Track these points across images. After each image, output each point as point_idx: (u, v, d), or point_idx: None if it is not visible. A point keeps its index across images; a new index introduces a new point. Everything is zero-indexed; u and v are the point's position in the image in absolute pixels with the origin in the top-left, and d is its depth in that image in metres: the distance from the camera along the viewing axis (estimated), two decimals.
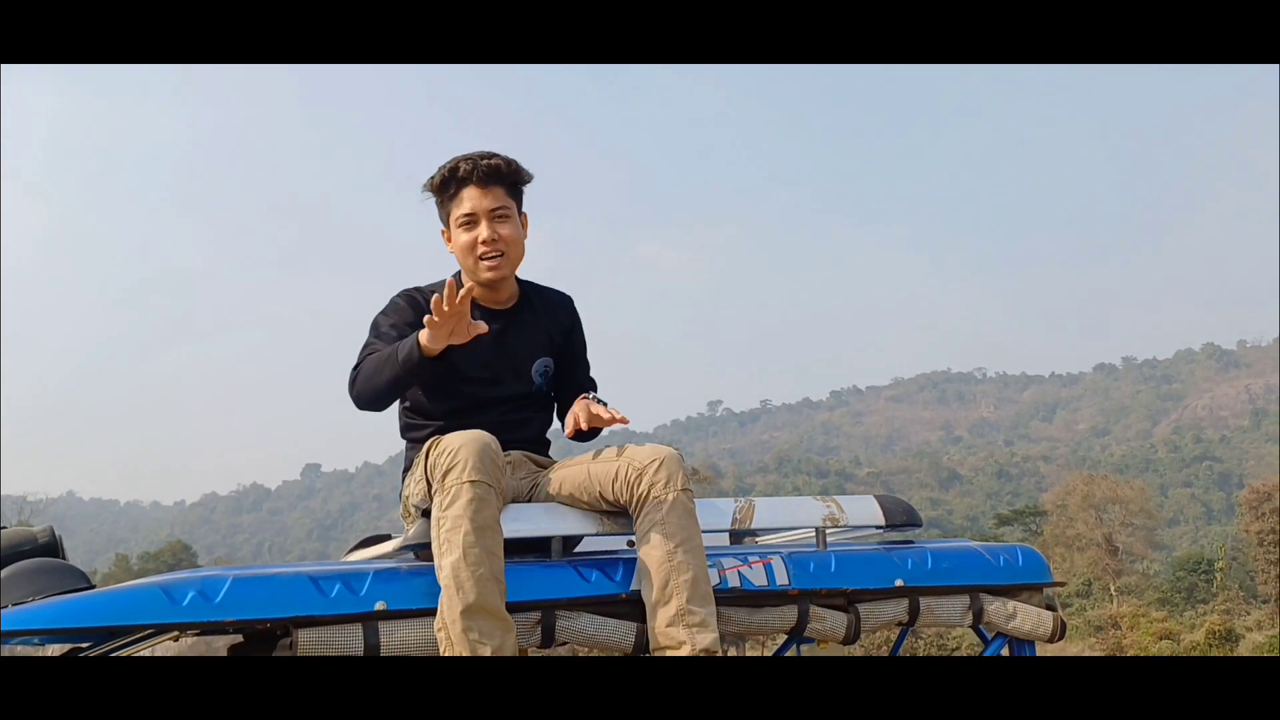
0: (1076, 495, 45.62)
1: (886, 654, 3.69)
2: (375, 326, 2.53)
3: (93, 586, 2.11)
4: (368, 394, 2.42)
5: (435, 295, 2.25)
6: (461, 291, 2.25)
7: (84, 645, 2.06)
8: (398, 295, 2.57)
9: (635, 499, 2.30)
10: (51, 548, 2.18)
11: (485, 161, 2.51)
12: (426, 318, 2.26)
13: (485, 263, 2.51)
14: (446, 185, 2.53)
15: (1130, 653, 28.52)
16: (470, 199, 2.51)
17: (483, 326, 2.29)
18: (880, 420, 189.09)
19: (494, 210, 2.51)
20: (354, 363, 2.47)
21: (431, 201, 2.61)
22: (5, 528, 2.22)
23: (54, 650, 2.23)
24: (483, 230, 2.50)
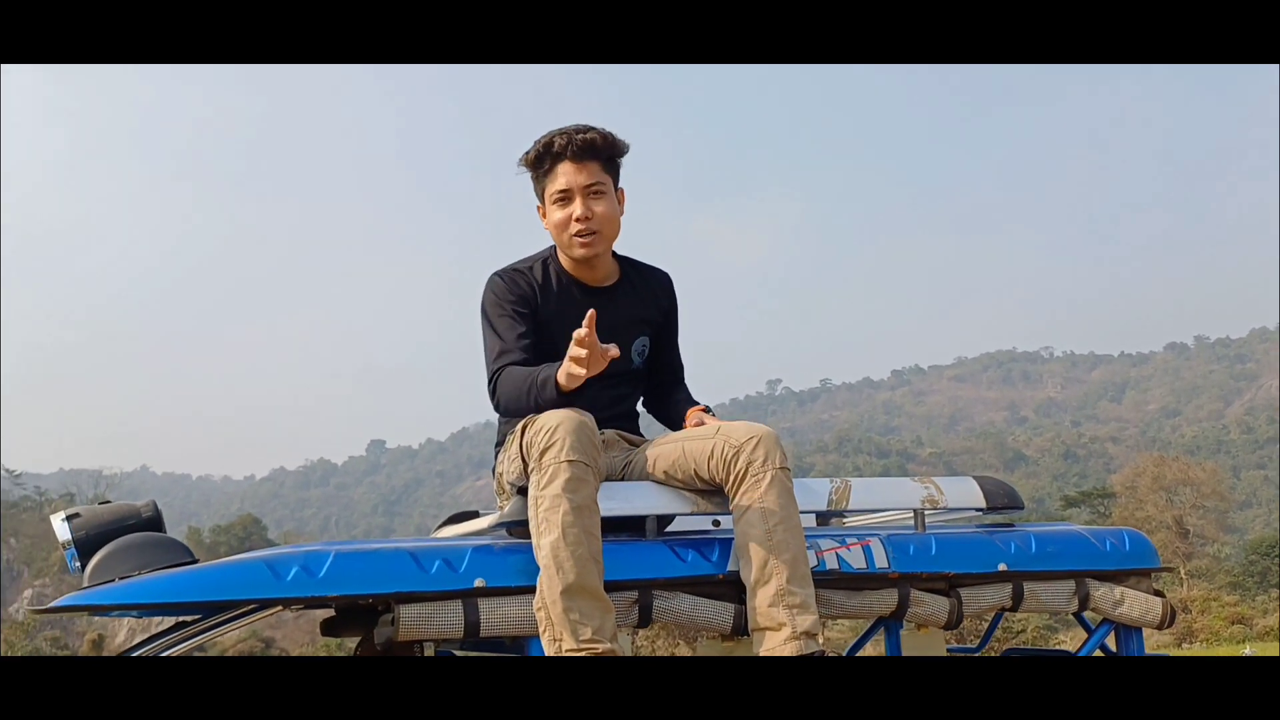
0: (1146, 477, 44.69)
1: (976, 641, 3.62)
2: (491, 324, 2.47)
3: (196, 560, 2.12)
4: (511, 410, 2.39)
5: (578, 338, 2.16)
6: (584, 331, 2.16)
7: (189, 620, 2.08)
8: (498, 279, 2.52)
9: (732, 477, 2.26)
10: (155, 522, 2.20)
11: (580, 136, 2.45)
12: (569, 365, 2.19)
13: (579, 239, 2.47)
14: (541, 160, 2.49)
15: (1200, 637, 27.97)
16: (565, 174, 2.46)
17: (615, 350, 2.22)
18: (943, 400, 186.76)
19: (589, 186, 2.46)
20: (490, 366, 2.43)
21: (526, 176, 2.57)
22: (109, 502, 2.24)
23: (158, 624, 2.25)
24: (577, 207, 2.45)
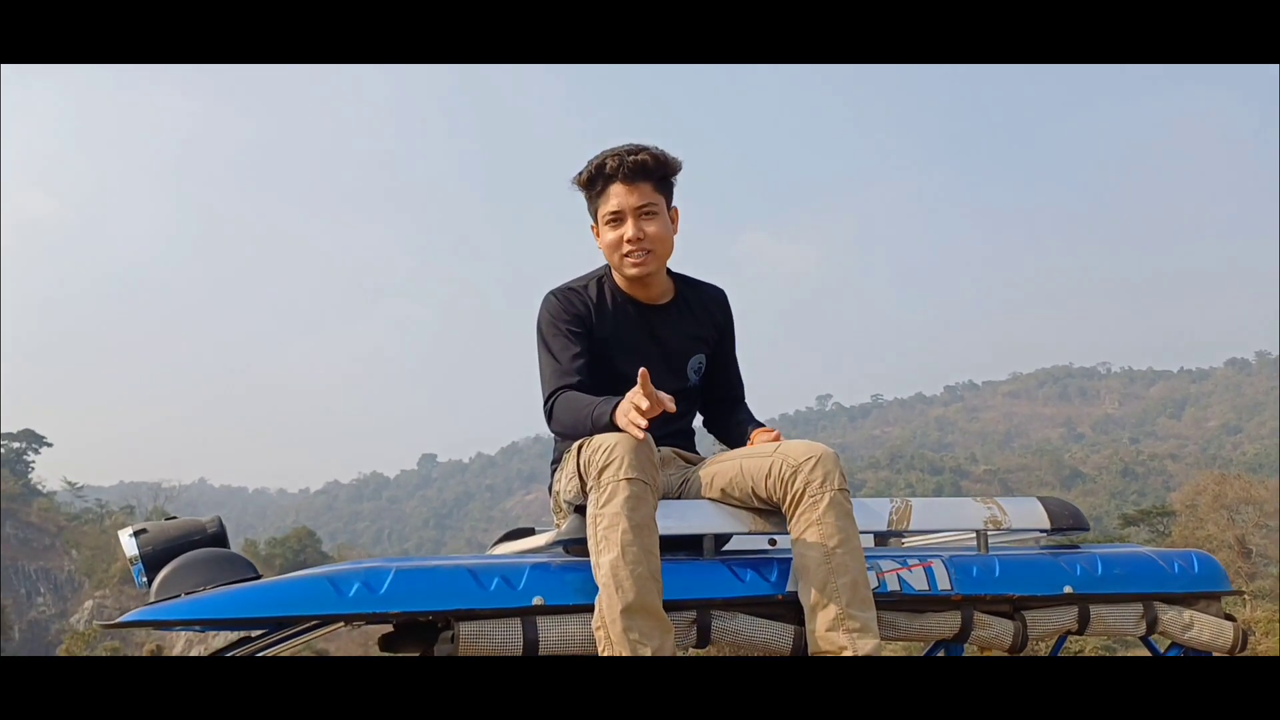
0: (1207, 495, 43.68)
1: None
2: (547, 344, 2.47)
3: (259, 576, 2.15)
4: (569, 434, 2.38)
5: (636, 398, 2.13)
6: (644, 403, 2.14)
7: (253, 635, 2.10)
8: (553, 299, 2.52)
9: (790, 497, 2.24)
10: (220, 538, 2.23)
11: (632, 157, 2.46)
12: (629, 423, 2.15)
13: (630, 260, 2.47)
14: (594, 182, 2.49)
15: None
16: (617, 196, 2.47)
17: (671, 405, 2.17)
18: (997, 416, 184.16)
19: (640, 208, 2.46)
20: (546, 388, 2.44)
21: (580, 195, 2.59)
22: (175, 517, 2.27)
23: (220, 639, 2.28)
24: (628, 228, 2.46)
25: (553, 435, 2.63)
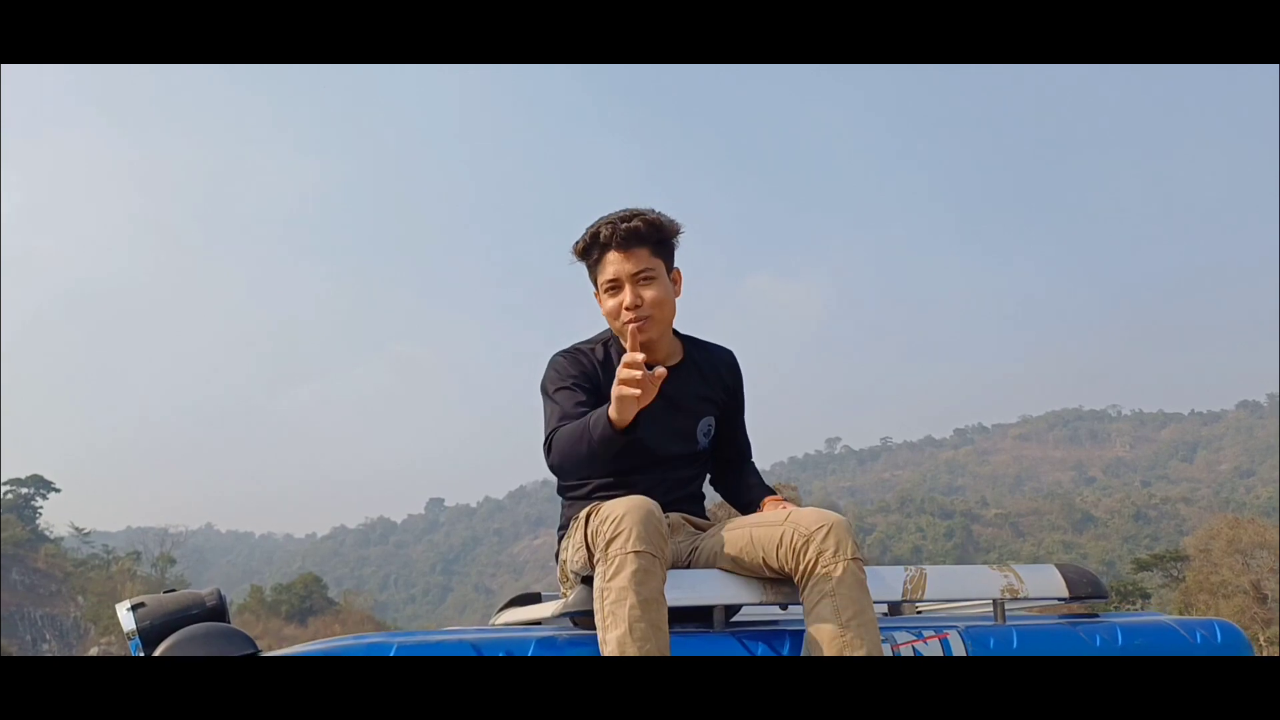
0: (1221, 540, 43.32)
1: None
2: (550, 396, 2.48)
3: (258, 651, 2.10)
4: (568, 466, 2.39)
5: (625, 366, 2.18)
6: (637, 355, 2.19)
7: None
8: (560, 358, 2.53)
9: (802, 568, 2.19)
10: (219, 611, 2.19)
11: (625, 224, 2.45)
12: (619, 387, 2.18)
13: (629, 327, 2.45)
14: (589, 250, 2.50)
15: None
16: (613, 264, 2.46)
17: (662, 371, 2.21)
18: (1007, 459, 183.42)
19: (637, 274, 2.45)
20: (545, 434, 2.43)
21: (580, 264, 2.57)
22: (174, 590, 2.23)
23: None
24: (626, 296, 2.45)
25: (563, 501, 2.59)
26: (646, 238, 2.46)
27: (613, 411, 2.22)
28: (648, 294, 2.45)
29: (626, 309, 2.44)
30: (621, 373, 2.17)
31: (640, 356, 2.17)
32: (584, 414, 2.39)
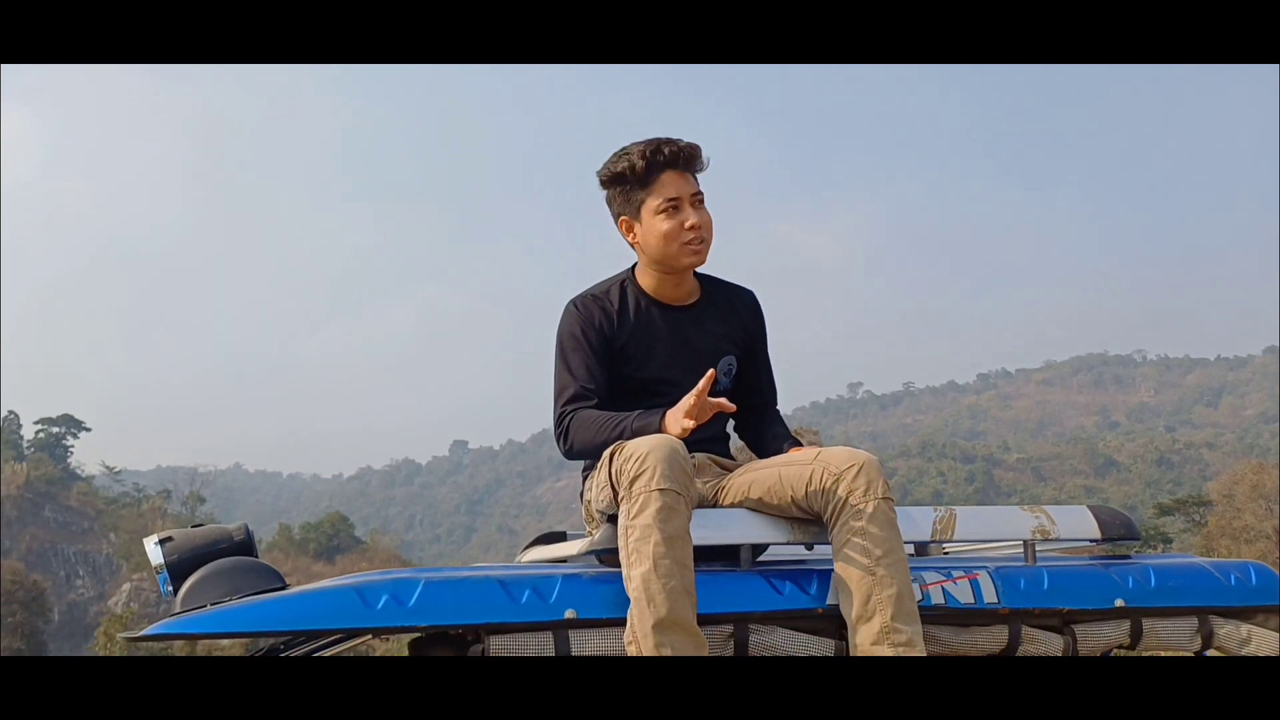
0: (1245, 485, 43.03)
1: None
2: (563, 355, 2.44)
3: (286, 586, 2.11)
4: (583, 451, 2.37)
5: (696, 399, 2.17)
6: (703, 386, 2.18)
7: (280, 646, 2.07)
8: (573, 308, 2.47)
9: (831, 506, 2.16)
10: (247, 546, 2.19)
11: (684, 144, 2.42)
12: (682, 418, 2.18)
13: (690, 248, 2.42)
14: (651, 170, 2.41)
15: None
16: (673, 184, 2.41)
17: (729, 405, 2.23)
18: (1030, 404, 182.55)
19: (695, 195, 2.43)
20: (558, 406, 2.40)
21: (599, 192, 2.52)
22: (202, 524, 2.24)
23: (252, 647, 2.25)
24: (690, 215, 2.40)
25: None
26: (697, 162, 2.45)
27: (670, 426, 2.20)
28: (705, 217, 2.44)
29: (690, 229, 2.40)
30: (691, 408, 2.16)
31: (702, 387, 2.17)
32: (597, 387, 2.38)
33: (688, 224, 2.39)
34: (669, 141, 2.41)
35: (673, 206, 2.41)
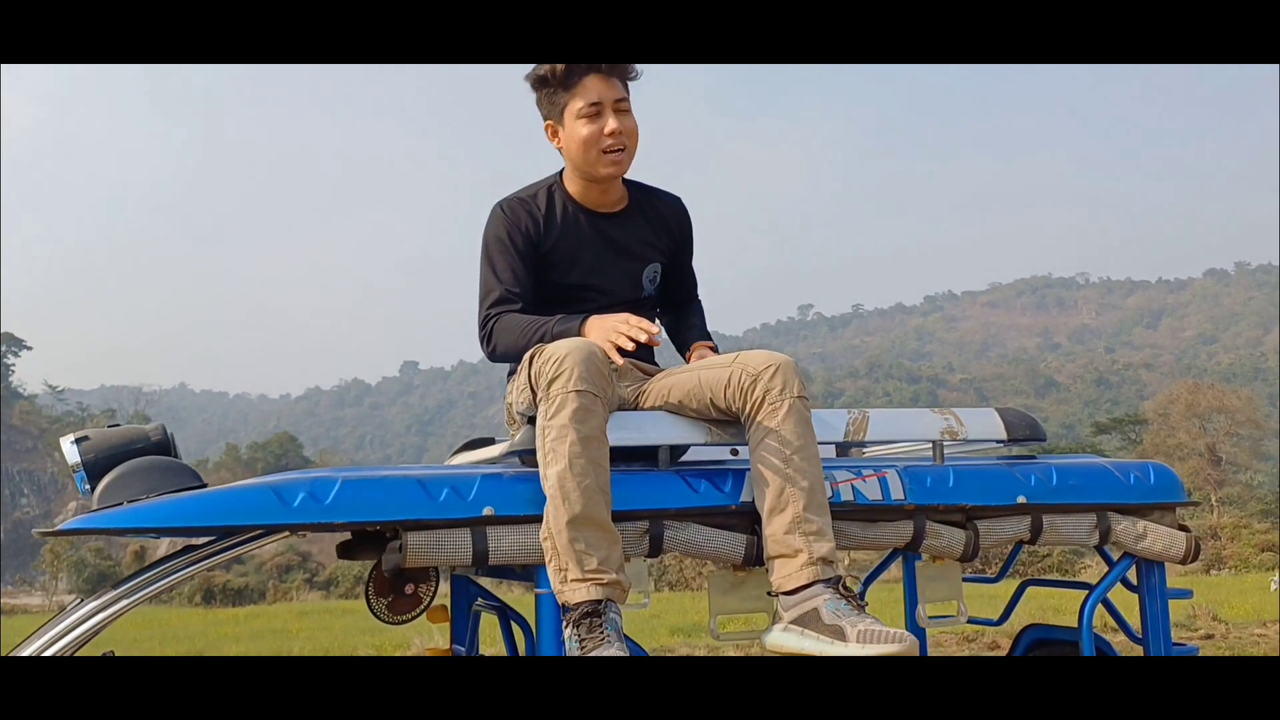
0: (1180, 404, 44.28)
1: (994, 572, 3.63)
2: (488, 258, 2.44)
3: (204, 485, 2.12)
4: (505, 354, 2.38)
5: (630, 329, 2.18)
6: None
7: (198, 542, 2.08)
8: (499, 210, 2.47)
9: (749, 406, 2.21)
10: (164, 446, 2.19)
11: None
12: (610, 335, 2.19)
13: (609, 156, 2.40)
14: (571, 74, 2.39)
15: (1229, 564, 27.93)
16: (595, 88, 2.38)
17: (656, 329, 2.26)
18: (975, 326, 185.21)
19: (619, 101, 2.40)
20: (483, 309, 2.41)
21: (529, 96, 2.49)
22: (118, 425, 2.23)
23: (168, 545, 2.26)
24: (610, 121, 2.39)
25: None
26: (624, 69, 2.42)
27: (588, 333, 2.22)
28: (627, 123, 2.41)
29: (610, 135, 2.39)
30: (630, 329, 2.17)
31: (656, 329, 2.18)
32: (522, 291, 2.39)
33: (607, 129, 2.38)
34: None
35: (595, 111, 2.39)
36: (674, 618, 13.13)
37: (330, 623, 16.55)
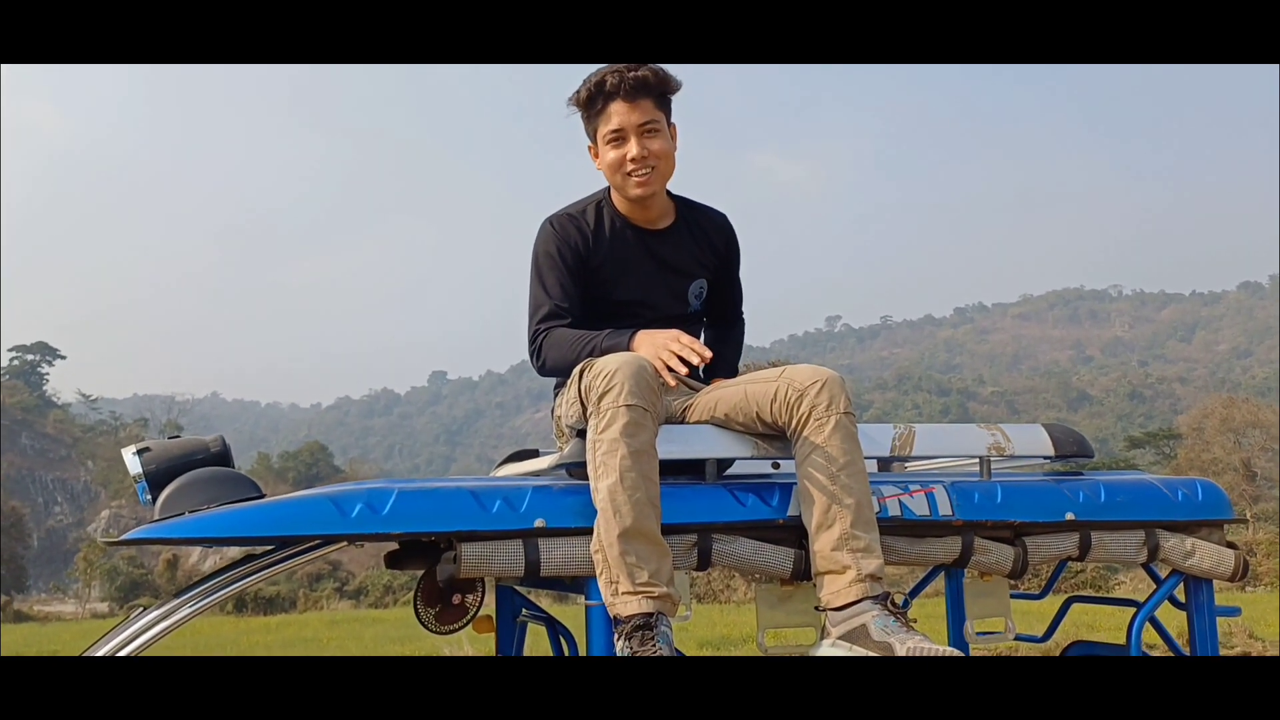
0: (1214, 418, 43.70)
1: (1029, 587, 3.60)
2: (538, 274, 2.48)
3: (263, 495, 2.16)
4: (555, 368, 2.42)
5: (682, 348, 2.19)
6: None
7: (257, 552, 2.12)
8: (549, 227, 2.50)
9: (795, 421, 2.23)
10: (224, 456, 2.23)
11: (632, 74, 2.40)
12: (661, 350, 2.20)
13: (634, 179, 2.44)
14: (594, 100, 2.44)
15: (1265, 581, 27.58)
16: (618, 114, 2.42)
17: (706, 353, 2.22)
18: (1006, 338, 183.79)
19: (643, 125, 2.42)
20: (532, 324, 2.45)
21: (577, 117, 2.53)
22: (179, 436, 2.28)
23: (199, 555, 2.30)
24: (632, 147, 2.42)
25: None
26: (652, 88, 2.43)
27: (637, 347, 2.25)
28: (654, 146, 2.43)
29: (632, 160, 2.42)
30: (681, 349, 2.19)
31: (709, 354, 2.18)
32: (571, 306, 2.42)
33: (629, 156, 2.42)
34: (614, 70, 2.41)
35: (618, 137, 2.43)
36: (703, 631, 13.11)
37: (360, 631, 16.66)
